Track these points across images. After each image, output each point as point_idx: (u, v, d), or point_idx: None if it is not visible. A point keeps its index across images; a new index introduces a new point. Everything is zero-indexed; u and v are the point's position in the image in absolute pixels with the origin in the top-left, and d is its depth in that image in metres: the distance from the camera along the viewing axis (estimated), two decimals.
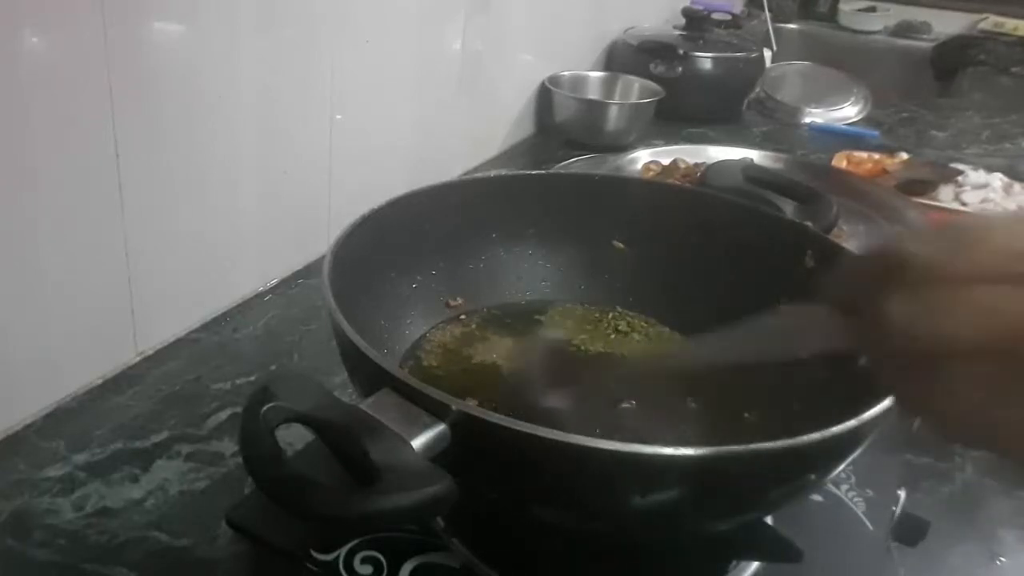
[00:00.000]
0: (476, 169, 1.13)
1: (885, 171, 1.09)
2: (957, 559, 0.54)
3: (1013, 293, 0.25)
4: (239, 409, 0.48)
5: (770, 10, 1.67)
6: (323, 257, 0.48)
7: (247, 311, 0.76)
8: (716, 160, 0.85)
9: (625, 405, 0.54)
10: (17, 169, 0.54)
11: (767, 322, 0.35)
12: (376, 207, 0.55)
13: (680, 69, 1.34)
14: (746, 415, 0.54)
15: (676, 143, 1.15)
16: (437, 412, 0.36)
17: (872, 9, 2.02)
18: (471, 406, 0.36)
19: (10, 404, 0.58)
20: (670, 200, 0.65)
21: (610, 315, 0.64)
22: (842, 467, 0.43)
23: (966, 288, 0.25)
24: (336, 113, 0.81)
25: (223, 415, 0.62)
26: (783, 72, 1.56)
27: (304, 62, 0.76)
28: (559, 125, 1.24)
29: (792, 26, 1.99)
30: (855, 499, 0.55)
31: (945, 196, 1.02)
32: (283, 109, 0.75)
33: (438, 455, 0.36)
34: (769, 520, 0.49)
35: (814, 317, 0.31)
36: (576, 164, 1.10)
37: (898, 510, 0.52)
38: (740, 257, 0.60)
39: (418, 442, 0.35)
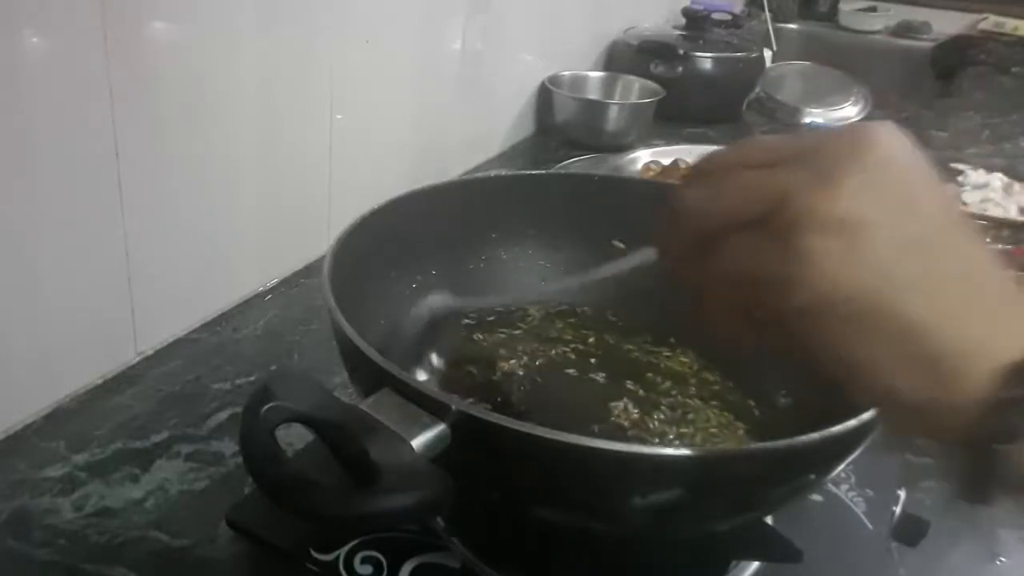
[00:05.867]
0: (476, 169, 1.13)
1: None
2: (957, 559, 0.54)
3: (763, 174, 0.31)
4: (239, 409, 0.48)
5: (770, 10, 1.67)
6: (323, 257, 0.48)
7: (247, 311, 0.76)
8: None
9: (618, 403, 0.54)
10: (17, 169, 0.54)
11: None
12: (376, 207, 0.55)
13: (680, 69, 1.34)
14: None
15: (676, 143, 1.15)
16: (437, 412, 0.36)
17: (872, 9, 2.02)
18: (471, 406, 0.36)
19: (10, 404, 0.58)
20: (670, 200, 0.65)
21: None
22: (842, 467, 0.43)
23: (734, 173, 0.32)
24: (336, 113, 0.81)
25: (223, 415, 0.62)
26: (783, 72, 1.56)
27: (304, 62, 0.76)
28: (559, 125, 1.24)
29: (792, 26, 1.99)
30: (855, 499, 0.55)
31: None
32: (283, 109, 0.75)
33: (438, 455, 0.36)
34: (769, 520, 0.49)
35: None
36: (576, 164, 1.10)
37: (898, 510, 0.52)
38: None
39: (418, 442, 0.35)
